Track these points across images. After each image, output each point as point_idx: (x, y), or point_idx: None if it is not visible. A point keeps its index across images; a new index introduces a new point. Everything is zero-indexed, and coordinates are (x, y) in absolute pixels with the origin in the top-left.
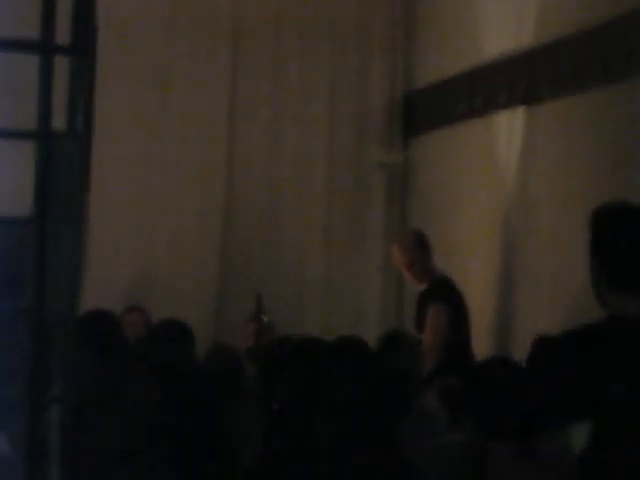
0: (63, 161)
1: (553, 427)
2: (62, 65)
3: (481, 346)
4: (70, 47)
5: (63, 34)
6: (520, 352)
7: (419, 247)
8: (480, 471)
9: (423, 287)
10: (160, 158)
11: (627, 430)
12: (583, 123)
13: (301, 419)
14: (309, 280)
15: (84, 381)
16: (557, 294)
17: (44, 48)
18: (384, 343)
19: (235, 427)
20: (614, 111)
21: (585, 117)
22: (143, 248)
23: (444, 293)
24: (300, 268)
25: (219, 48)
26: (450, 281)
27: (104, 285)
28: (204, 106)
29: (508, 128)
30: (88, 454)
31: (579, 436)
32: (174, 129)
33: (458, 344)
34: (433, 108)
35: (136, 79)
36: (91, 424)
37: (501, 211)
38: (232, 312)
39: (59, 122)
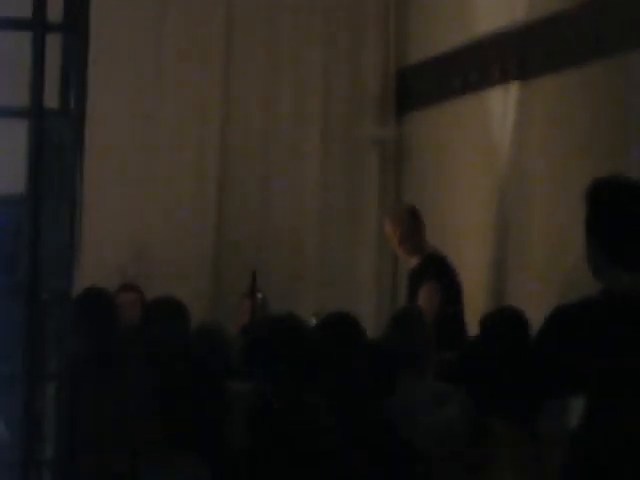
0: (56, 139)
1: (550, 400)
2: (55, 42)
3: (475, 323)
4: (62, 24)
5: (55, 11)
6: None
7: (411, 222)
8: (478, 445)
9: (415, 262)
10: (154, 136)
11: (619, 402)
12: (577, 97)
13: (288, 398)
14: (304, 256)
15: (80, 359)
16: (553, 268)
17: (36, 25)
18: (396, 320)
19: (221, 407)
20: (607, 85)
21: (579, 91)
22: (137, 225)
23: (437, 270)
24: (295, 244)
25: (212, 24)
26: (444, 258)
27: (99, 262)
28: (198, 82)
29: (502, 103)
30: (84, 431)
31: (577, 411)
32: (168, 105)
33: (452, 318)
34: (426, 84)
35: (129, 56)
36: (87, 401)
37: (495, 186)
38: (228, 289)
39: (52, 100)
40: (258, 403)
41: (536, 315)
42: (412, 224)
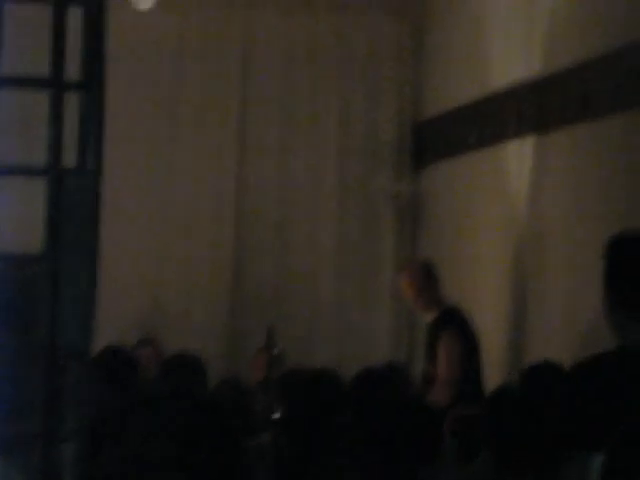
0: (74, 197)
1: (569, 458)
2: (73, 101)
3: (492, 379)
4: (80, 83)
5: (73, 70)
6: None
7: (427, 277)
8: None
9: (432, 317)
10: (170, 191)
11: (637, 461)
12: (593, 151)
13: (317, 458)
14: (320, 310)
15: (100, 418)
16: (570, 325)
17: (54, 84)
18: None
19: (245, 462)
20: (625, 139)
21: (595, 145)
22: (154, 280)
23: (455, 322)
24: (311, 298)
25: (229, 78)
26: (460, 310)
27: (116, 318)
28: (214, 136)
29: (518, 157)
30: None
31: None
32: (184, 160)
33: (469, 376)
34: (443, 138)
35: (145, 111)
36: (107, 460)
37: (512, 240)
38: (245, 343)
39: (70, 158)
40: (287, 460)
41: None
42: (427, 278)
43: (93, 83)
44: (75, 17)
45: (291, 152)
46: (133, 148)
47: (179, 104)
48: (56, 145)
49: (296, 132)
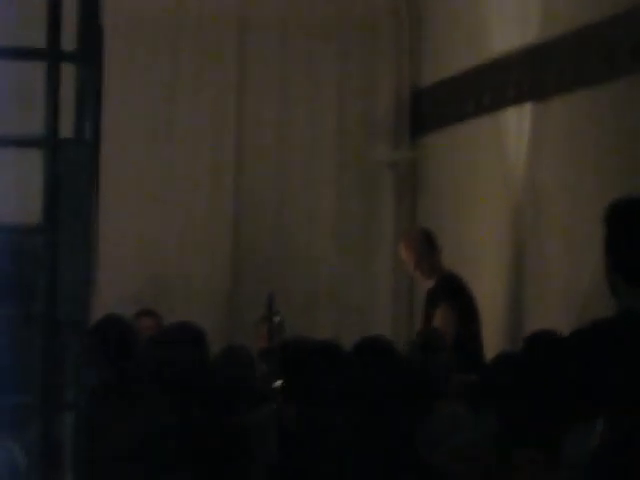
0: (71, 168)
1: (574, 425)
2: (70, 72)
3: (492, 345)
4: (77, 54)
5: (69, 40)
6: None
7: (426, 245)
8: (501, 470)
9: (431, 285)
10: (168, 161)
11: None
12: (591, 117)
13: (320, 418)
14: (320, 280)
15: (100, 388)
16: (568, 291)
17: (50, 55)
18: (419, 345)
19: (249, 428)
20: (620, 105)
21: (592, 111)
22: (153, 251)
23: (453, 291)
24: (311, 268)
25: (226, 52)
26: (459, 279)
27: (115, 289)
28: (212, 109)
29: (516, 124)
30: (102, 459)
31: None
32: (182, 133)
33: (468, 340)
34: (441, 106)
35: (143, 85)
36: (105, 430)
37: (511, 207)
38: (245, 313)
39: (67, 130)
40: (289, 425)
41: None
42: (427, 247)
43: (90, 54)
44: None
45: (289, 123)
46: (130, 121)
47: (177, 78)
48: (52, 116)
49: (294, 103)
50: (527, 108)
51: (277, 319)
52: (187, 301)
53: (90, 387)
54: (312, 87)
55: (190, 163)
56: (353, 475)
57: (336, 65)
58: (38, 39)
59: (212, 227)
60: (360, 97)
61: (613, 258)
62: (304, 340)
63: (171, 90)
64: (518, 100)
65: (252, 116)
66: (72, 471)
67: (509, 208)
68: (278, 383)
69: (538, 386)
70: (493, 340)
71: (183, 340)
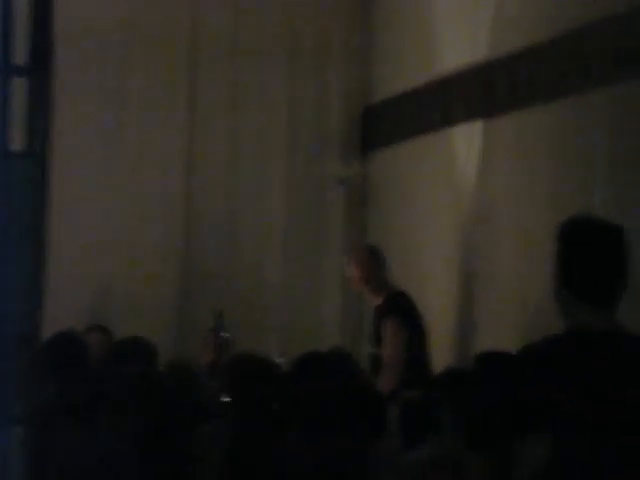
0: (21, 181)
1: (523, 437)
2: (19, 87)
3: (441, 360)
4: (27, 68)
5: (20, 55)
6: None
7: (374, 261)
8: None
9: (379, 302)
10: (119, 176)
11: (585, 438)
12: (541, 134)
13: (270, 437)
14: (268, 294)
15: (53, 404)
16: (518, 309)
17: (1, 69)
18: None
19: (195, 445)
20: (570, 123)
21: (542, 129)
22: (103, 267)
23: (400, 307)
24: (259, 282)
25: (176, 66)
26: (407, 295)
27: (64, 304)
28: (162, 122)
29: (466, 141)
30: (56, 475)
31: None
32: (132, 146)
33: (416, 360)
34: (391, 122)
35: (93, 96)
36: (59, 446)
37: (461, 225)
38: (194, 326)
39: (18, 142)
40: (233, 446)
41: None
42: (374, 263)
43: (40, 68)
44: (23, 2)
45: (240, 137)
46: (80, 133)
47: (127, 92)
48: (2, 129)
49: (244, 117)
50: (477, 125)
51: (225, 334)
52: (136, 317)
53: (38, 405)
54: (263, 103)
55: (140, 178)
56: None
57: (287, 81)
58: None
59: (161, 241)
60: (311, 113)
61: (564, 275)
62: (249, 357)
63: (121, 104)
64: (468, 117)
65: (202, 131)
66: None
67: (459, 225)
68: (226, 399)
69: (488, 399)
70: (442, 356)
71: (136, 358)
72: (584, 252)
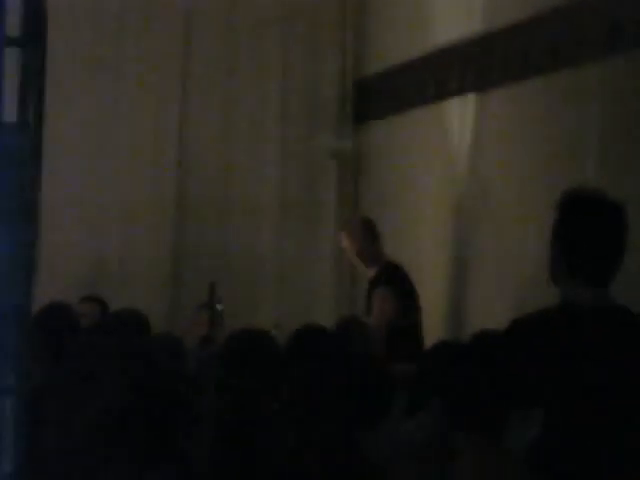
0: (14, 153)
1: (513, 413)
2: (13, 57)
3: (433, 332)
4: (21, 38)
5: (13, 25)
6: None
7: (367, 234)
8: (443, 460)
9: (372, 273)
10: (111, 146)
11: (575, 414)
12: (534, 109)
13: (257, 411)
14: (262, 267)
15: (42, 376)
16: (509, 280)
17: None
18: (339, 330)
19: (185, 418)
20: (564, 96)
21: (536, 103)
22: (95, 237)
23: (392, 278)
24: (253, 255)
25: (170, 37)
26: (399, 267)
27: (57, 275)
28: (156, 95)
29: (460, 114)
30: (47, 449)
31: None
32: (126, 117)
33: (408, 329)
34: (384, 95)
35: (87, 67)
36: (50, 419)
37: (453, 197)
38: (186, 299)
39: (11, 114)
40: (225, 417)
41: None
42: (368, 236)
43: (33, 39)
44: None
45: (233, 110)
46: (75, 103)
47: (121, 62)
48: None
49: (238, 90)
50: (471, 99)
51: (218, 307)
52: (128, 289)
53: (37, 375)
54: (256, 74)
55: (133, 149)
56: (290, 474)
57: (280, 53)
58: None
59: (153, 214)
60: (304, 86)
61: (560, 248)
62: (249, 332)
63: (115, 74)
64: (462, 91)
65: (196, 103)
66: (11, 455)
67: (451, 197)
68: (220, 372)
69: (479, 373)
70: (434, 329)
71: (128, 330)
72: (581, 227)
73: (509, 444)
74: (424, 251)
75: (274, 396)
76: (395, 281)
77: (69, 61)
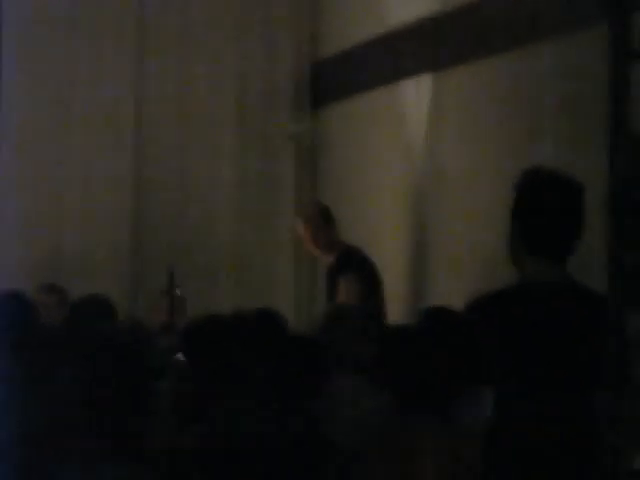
0: None
1: (467, 391)
2: None
3: (393, 316)
4: None
5: None
6: None
7: (324, 219)
8: (398, 439)
9: (331, 259)
10: (66, 131)
11: (532, 391)
12: (489, 88)
13: (221, 397)
14: (221, 252)
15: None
16: (468, 262)
17: None
18: (329, 319)
19: (147, 408)
20: (518, 77)
21: (491, 82)
22: (53, 224)
23: (354, 263)
24: (212, 242)
25: (125, 23)
26: (359, 251)
27: (14, 264)
28: (111, 83)
29: (416, 95)
30: (16, 437)
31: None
32: (81, 101)
33: (372, 313)
34: (341, 77)
35: (40, 60)
36: (14, 405)
37: (410, 179)
38: (145, 286)
39: None
40: (186, 403)
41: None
42: (324, 221)
43: None
44: None
45: (189, 94)
46: (30, 84)
47: (75, 44)
48: None
49: (193, 74)
50: (427, 79)
51: (177, 293)
52: (88, 275)
53: None
54: (212, 61)
55: (89, 133)
56: (249, 452)
57: (235, 39)
58: None
59: (112, 199)
60: (260, 69)
61: (518, 226)
62: (206, 318)
63: (69, 63)
64: (418, 71)
65: (152, 87)
66: None
67: (408, 179)
68: (179, 357)
69: (431, 353)
70: (393, 313)
71: (96, 318)
72: (539, 206)
73: (462, 424)
74: (383, 234)
75: (234, 380)
76: (358, 266)
77: (21, 52)
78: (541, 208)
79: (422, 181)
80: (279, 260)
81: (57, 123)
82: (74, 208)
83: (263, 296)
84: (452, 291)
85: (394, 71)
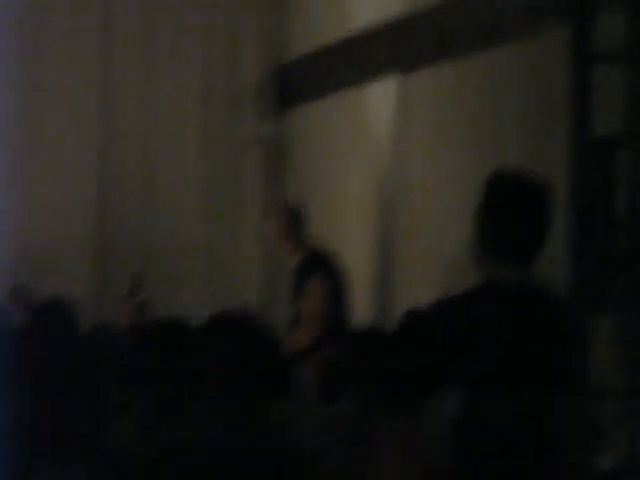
0: None
1: (433, 393)
2: None
3: (359, 315)
4: None
5: None
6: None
7: (291, 220)
8: (364, 441)
9: (298, 260)
10: (31, 134)
11: (496, 392)
12: (455, 90)
13: (176, 399)
14: (187, 256)
15: None
16: (434, 262)
17: None
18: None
19: (111, 411)
20: (483, 79)
21: (457, 84)
22: (18, 225)
23: (320, 264)
24: (178, 244)
25: (90, 22)
26: (326, 252)
27: None
28: (76, 79)
29: (382, 97)
30: None
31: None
32: (45, 103)
33: (335, 316)
34: (307, 79)
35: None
36: None
37: (377, 180)
38: (112, 289)
39: None
40: (149, 408)
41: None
42: (292, 222)
43: None
44: None
45: (154, 98)
46: None
47: (41, 47)
48: None
49: (159, 77)
50: (393, 81)
51: (139, 298)
52: (53, 277)
53: None
54: (177, 63)
55: (53, 137)
56: (208, 458)
57: (201, 40)
58: None
59: (77, 200)
60: (226, 71)
61: (482, 228)
62: (156, 320)
63: (35, 61)
64: (384, 73)
65: (117, 88)
66: None
67: (375, 180)
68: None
69: (397, 354)
70: (360, 312)
71: (58, 323)
72: (505, 208)
73: (428, 425)
74: (349, 235)
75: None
76: (322, 267)
77: None
78: (507, 211)
79: (389, 183)
80: (245, 261)
81: (23, 132)
82: (39, 208)
83: (230, 297)
84: (417, 291)
85: (361, 73)
